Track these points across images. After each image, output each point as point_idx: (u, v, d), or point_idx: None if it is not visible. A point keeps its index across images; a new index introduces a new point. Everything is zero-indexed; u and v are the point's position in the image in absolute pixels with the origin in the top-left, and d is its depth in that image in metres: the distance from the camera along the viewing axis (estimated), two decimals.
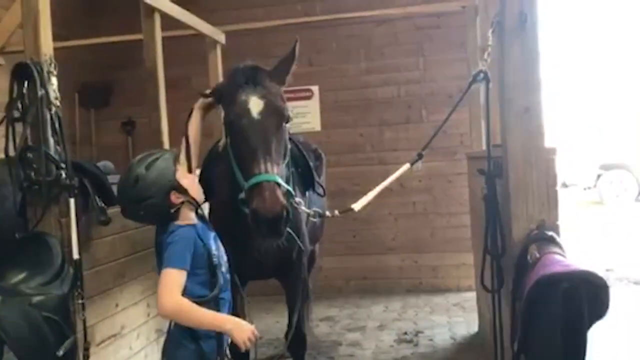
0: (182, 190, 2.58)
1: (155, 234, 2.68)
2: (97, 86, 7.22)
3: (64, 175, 2.72)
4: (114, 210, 3.04)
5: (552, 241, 2.45)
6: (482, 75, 2.87)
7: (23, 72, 2.72)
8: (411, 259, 6.87)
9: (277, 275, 3.54)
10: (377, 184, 3.23)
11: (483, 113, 3.86)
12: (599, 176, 15.71)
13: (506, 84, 2.62)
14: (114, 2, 4.69)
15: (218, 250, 2.65)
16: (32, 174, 2.70)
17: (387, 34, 6.87)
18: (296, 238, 3.06)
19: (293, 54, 2.98)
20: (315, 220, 3.16)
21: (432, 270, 6.84)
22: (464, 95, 3.13)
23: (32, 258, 2.61)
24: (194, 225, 2.59)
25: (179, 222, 2.56)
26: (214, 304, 2.53)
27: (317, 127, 6.95)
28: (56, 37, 2.87)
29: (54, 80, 2.76)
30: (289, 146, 2.94)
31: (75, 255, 2.73)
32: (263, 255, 3.05)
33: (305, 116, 6.90)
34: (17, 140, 2.74)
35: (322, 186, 4.00)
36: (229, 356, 2.74)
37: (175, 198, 2.56)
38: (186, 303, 2.41)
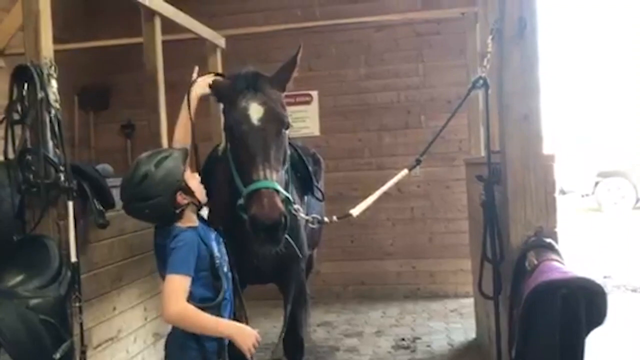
0: (189, 192, 2.58)
1: (155, 235, 2.66)
2: (96, 89, 7.23)
3: (62, 178, 2.72)
4: (112, 214, 3.04)
5: (550, 248, 2.45)
6: (481, 81, 2.88)
7: (23, 75, 2.72)
8: (409, 264, 6.87)
9: (275, 280, 3.54)
10: (376, 189, 3.23)
11: (482, 119, 3.87)
12: (597, 183, 15.73)
13: (505, 90, 2.63)
14: (114, 5, 4.71)
15: (220, 250, 2.66)
16: (31, 176, 2.70)
17: (386, 39, 6.88)
18: (294, 245, 3.06)
19: (294, 61, 2.99)
20: (314, 226, 3.15)
21: (430, 276, 6.83)
22: (463, 102, 3.13)
23: (29, 260, 2.61)
24: (195, 228, 2.59)
25: (180, 224, 2.55)
26: (216, 306, 2.54)
27: (316, 131, 6.96)
28: (56, 40, 2.88)
29: (54, 82, 2.77)
30: (289, 152, 2.94)
31: (73, 258, 2.73)
32: (261, 260, 3.05)
33: (304, 121, 6.91)
34: (17, 142, 2.74)
35: (321, 191, 4.00)
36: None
37: (182, 199, 2.55)
38: (191, 310, 2.40)
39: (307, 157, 3.94)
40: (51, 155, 2.73)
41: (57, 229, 2.75)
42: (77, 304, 2.74)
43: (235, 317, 3.40)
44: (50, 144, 2.74)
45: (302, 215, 2.98)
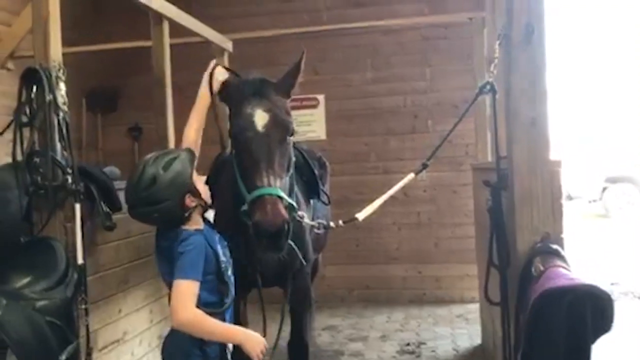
0: (197, 194, 2.57)
1: (157, 237, 2.63)
2: (104, 91, 7.27)
3: (70, 180, 2.73)
4: (119, 216, 3.05)
5: (557, 254, 2.44)
6: (488, 86, 2.87)
7: (32, 77, 2.74)
8: (415, 269, 6.85)
9: (280, 284, 3.54)
10: (382, 193, 3.23)
11: (489, 125, 3.86)
12: (604, 189, 15.65)
13: (512, 95, 2.62)
14: (122, 8, 4.74)
15: (225, 254, 2.65)
16: (39, 178, 2.72)
17: (393, 43, 6.89)
18: (297, 251, 3.06)
19: (299, 67, 2.99)
20: (319, 231, 3.16)
21: (435, 281, 6.82)
22: (470, 107, 3.12)
23: (36, 262, 2.62)
24: (201, 231, 2.57)
25: (187, 227, 2.53)
26: (222, 311, 2.55)
27: (322, 135, 6.96)
28: (65, 43, 2.90)
29: (62, 85, 2.79)
30: (293, 159, 2.94)
31: (80, 260, 2.74)
32: (265, 265, 3.06)
33: (311, 125, 6.92)
34: (25, 144, 2.76)
35: (326, 195, 4.01)
36: None
37: (190, 201, 2.53)
38: (200, 315, 2.39)
39: (312, 161, 3.95)
40: (59, 157, 2.74)
41: (64, 231, 2.76)
42: (83, 306, 2.75)
43: (239, 322, 3.41)
44: (58, 146, 2.75)
45: (307, 221, 2.98)
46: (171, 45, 4.36)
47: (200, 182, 2.64)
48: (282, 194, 2.60)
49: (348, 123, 6.95)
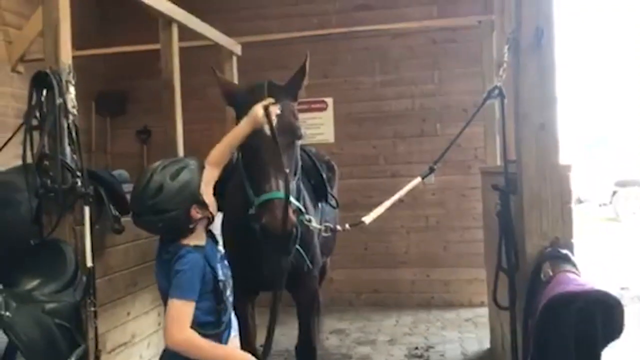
0: (204, 206, 2.47)
1: (159, 250, 2.53)
2: (113, 95, 7.30)
3: (79, 183, 2.75)
4: (128, 219, 3.06)
5: (566, 259, 2.43)
6: (497, 91, 2.86)
7: (42, 81, 2.76)
8: (423, 273, 6.83)
9: (288, 287, 3.54)
10: (390, 196, 3.22)
11: (498, 129, 3.85)
12: (614, 192, 15.56)
13: (521, 100, 2.61)
14: (131, 12, 4.77)
15: (225, 273, 2.55)
16: (49, 181, 2.74)
17: (402, 47, 6.88)
18: (305, 255, 3.06)
19: (303, 70, 3.00)
20: (326, 235, 3.16)
21: (444, 285, 6.79)
22: (478, 111, 3.11)
23: (46, 265, 2.63)
24: (203, 247, 2.48)
25: (186, 243, 2.43)
26: (219, 332, 2.48)
27: (331, 138, 6.96)
28: (74, 46, 2.92)
29: (72, 89, 2.80)
30: (300, 163, 2.95)
31: (89, 263, 2.76)
32: (272, 268, 3.05)
33: (319, 128, 6.92)
34: (35, 147, 2.78)
35: (335, 198, 4.00)
36: None
37: (196, 213, 2.43)
38: (197, 338, 2.31)
39: (321, 164, 3.95)
40: (68, 160, 2.76)
41: (73, 234, 2.77)
42: (92, 309, 2.76)
43: (247, 325, 3.41)
44: (68, 149, 2.77)
45: (315, 224, 2.98)
46: (180, 49, 4.38)
47: (208, 194, 2.53)
48: (290, 198, 2.60)
49: (356, 126, 6.95)
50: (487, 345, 5.19)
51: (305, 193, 3.22)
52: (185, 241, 2.45)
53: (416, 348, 5.32)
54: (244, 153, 2.78)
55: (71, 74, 2.81)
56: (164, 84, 4.31)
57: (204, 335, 2.36)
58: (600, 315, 2.06)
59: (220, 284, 2.47)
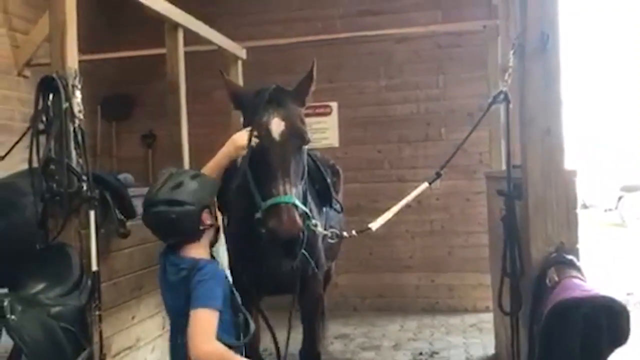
0: (214, 215, 2.51)
1: (165, 274, 2.46)
2: (119, 99, 7.33)
3: (85, 187, 2.76)
4: (133, 223, 3.07)
5: (572, 265, 2.42)
6: (502, 96, 2.86)
7: (48, 85, 2.77)
8: (428, 278, 6.81)
9: (292, 291, 3.54)
10: (395, 201, 3.22)
11: (503, 134, 3.85)
12: (620, 198, 15.50)
13: (527, 105, 2.61)
14: (137, 16, 4.79)
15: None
16: (54, 185, 2.74)
17: (407, 51, 6.88)
18: (310, 259, 3.06)
19: (311, 76, 3.01)
20: (332, 241, 3.16)
21: (449, 290, 6.77)
22: (484, 116, 3.11)
23: (51, 269, 2.64)
24: (216, 262, 2.48)
25: (194, 255, 2.42)
26: (240, 345, 2.48)
27: (336, 143, 6.96)
28: (80, 50, 2.93)
29: (78, 93, 2.81)
30: (306, 168, 2.95)
31: (94, 267, 2.76)
32: (277, 272, 3.06)
33: (324, 132, 6.92)
34: (41, 151, 2.79)
35: (339, 202, 4.00)
36: None
37: (206, 218, 2.45)
38: (225, 350, 2.27)
39: (325, 168, 3.95)
40: (74, 164, 2.77)
41: (78, 238, 2.78)
42: (97, 313, 2.76)
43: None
44: (74, 153, 2.78)
45: (321, 230, 2.98)
46: (185, 53, 4.39)
47: (218, 214, 2.59)
48: (297, 203, 2.61)
49: (361, 130, 6.95)
50: (492, 350, 5.17)
51: (310, 198, 3.22)
52: (192, 251, 2.43)
53: (420, 353, 5.30)
54: (252, 156, 2.78)
55: (77, 79, 2.82)
56: (169, 88, 4.32)
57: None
58: (606, 321, 2.05)
59: (236, 295, 2.48)
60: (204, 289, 2.30)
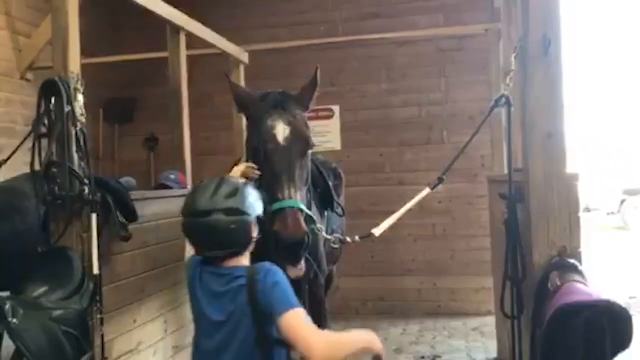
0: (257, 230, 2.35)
1: (207, 284, 2.30)
2: (121, 102, 7.34)
3: (87, 190, 2.76)
4: (134, 226, 3.07)
5: (574, 269, 2.42)
6: (504, 100, 2.86)
7: (51, 89, 2.77)
8: (430, 281, 6.80)
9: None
10: (397, 204, 3.22)
11: (505, 138, 3.83)
12: (622, 201, 15.48)
13: (529, 109, 2.61)
14: (140, 20, 4.79)
15: None
16: (56, 188, 2.74)
17: (409, 55, 6.89)
18: (313, 262, 3.06)
19: (315, 82, 3.02)
20: (336, 246, 3.17)
21: (451, 294, 6.76)
22: (485, 120, 3.11)
23: (53, 272, 2.64)
24: None
25: (243, 264, 2.30)
26: None
27: (338, 146, 6.97)
28: (83, 54, 2.93)
29: (81, 97, 2.82)
30: (310, 172, 2.96)
31: (96, 271, 2.76)
32: None
33: (326, 136, 6.92)
34: (43, 155, 2.79)
35: (341, 206, 4.00)
36: None
37: (253, 231, 2.31)
38: (330, 333, 2.17)
39: (327, 172, 3.95)
40: (76, 168, 2.77)
41: (80, 241, 2.78)
42: (99, 316, 2.76)
43: None
44: (76, 157, 2.78)
45: (325, 235, 2.99)
46: (188, 57, 4.40)
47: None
48: (303, 207, 2.62)
49: (363, 134, 6.95)
50: (494, 354, 5.15)
51: (313, 201, 3.22)
52: (240, 262, 2.30)
53: (423, 357, 5.29)
54: (257, 160, 2.78)
55: (79, 82, 2.82)
56: (171, 92, 4.33)
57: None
58: (609, 326, 2.05)
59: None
60: (284, 289, 2.15)
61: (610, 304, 2.08)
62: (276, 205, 2.60)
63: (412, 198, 3.25)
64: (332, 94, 6.65)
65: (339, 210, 3.89)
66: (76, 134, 2.79)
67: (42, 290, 2.54)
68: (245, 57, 5.51)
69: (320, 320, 3.58)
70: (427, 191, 3.21)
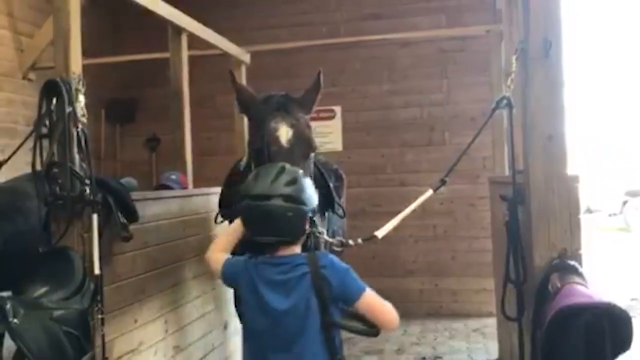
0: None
1: (263, 274, 2.34)
2: (123, 102, 7.35)
3: (87, 191, 2.76)
4: (135, 227, 3.07)
5: (574, 271, 2.41)
6: (505, 101, 2.86)
7: (52, 89, 2.77)
8: (431, 282, 6.80)
9: None
10: (398, 205, 3.23)
11: (506, 139, 3.84)
12: (624, 202, 15.46)
13: (530, 111, 2.61)
14: (141, 20, 4.81)
15: None
16: (57, 189, 2.74)
17: (410, 56, 6.89)
18: None
19: (318, 85, 3.02)
20: (339, 249, 3.17)
21: (452, 295, 6.76)
22: (487, 122, 3.11)
23: (54, 272, 2.64)
24: None
25: (298, 253, 2.37)
26: None
27: (339, 147, 6.97)
28: (84, 54, 2.94)
29: (82, 97, 2.82)
30: (312, 174, 2.96)
31: (97, 271, 2.76)
32: None
33: (327, 136, 6.93)
34: (44, 155, 2.80)
35: (342, 207, 4.00)
36: None
37: (306, 222, 2.37)
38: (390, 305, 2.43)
39: (328, 173, 3.95)
40: (77, 168, 2.77)
41: (81, 241, 2.78)
42: (100, 316, 2.76)
43: None
44: (77, 157, 2.78)
45: (327, 238, 2.99)
46: (189, 57, 4.40)
47: None
48: None
49: (364, 135, 6.95)
50: (495, 355, 5.15)
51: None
52: (296, 251, 2.36)
53: (424, 358, 5.30)
54: (260, 163, 2.76)
55: (81, 83, 2.82)
56: (173, 92, 4.33)
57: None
58: (609, 328, 2.04)
59: None
60: (353, 275, 2.40)
61: (611, 306, 2.08)
62: None
63: (414, 199, 3.25)
64: (333, 94, 6.64)
65: (340, 212, 3.88)
66: (77, 135, 2.78)
67: (42, 290, 2.54)
68: (246, 58, 5.51)
69: None
70: (429, 193, 3.21)
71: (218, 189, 3.82)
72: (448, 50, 6.80)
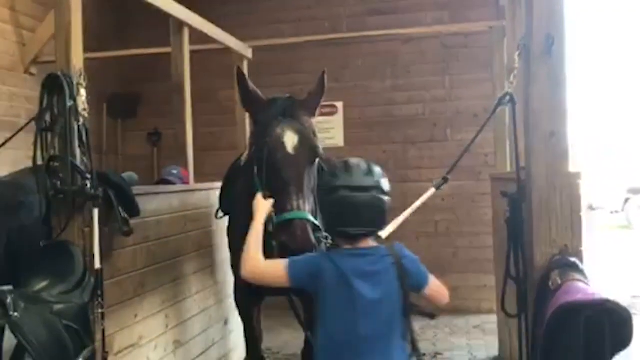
0: None
1: (355, 266, 2.33)
2: (125, 97, 7.35)
3: (88, 185, 2.76)
4: (136, 221, 3.08)
5: (575, 268, 2.41)
6: (508, 97, 2.85)
7: (53, 84, 2.77)
8: None
9: (294, 292, 3.54)
10: (400, 201, 3.22)
11: (509, 135, 3.84)
12: (626, 200, 15.44)
13: (532, 108, 2.60)
14: (144, 15, 4.79)
15: None
16: (58, 183, 2.74)
17: (413, 52, 6.87)
18: None
19: (322, 87, 3.00)
20: None
21: (453, 291, 6.62)
22: (490, 118, 3.11)
23: (55, 266, 2.64)
24: None
25: (376, 245, 2.43)
26: None
27: (341, 143, 6.95)
28: (87, 49, 2.93)
29: (83, 92, 2.81)
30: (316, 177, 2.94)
31: (97, 265, 2.76)
32: None
33: (329, 132, 6.91)
34: (46, 149, 2.80)
35: None
36: None
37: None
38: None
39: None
40: (78, 163, 2.77)
41: (82, 236, 2.78)
42: (100, 310, 2.76)
43: (253, 327, 3.42)
44: (78, 151, 2.78)
45: (330, 241, 2.98)
46: (191, 52, 4.40)
47: None
48: (310, 217, 2.60)
49: (367, 131, 6.94)
50: (495, 352, 5.15)
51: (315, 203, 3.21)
52: (371, 243, 2.42)
53: (424, 354, 5.28)
54: (264, 169, 2.73)
55: (82, 77, 2.82)
56: (175, 87, 4.33)
57: None
58: (609, 325, 2.04)
59: None
60: (421, 264, 2.57)
61: (611, 303, 2.08)
62: (285, 216, 2.58)
63: (416, 195, 3.25)
64: (335, 90, 6.60)
65: None
66: (78, 129, 2.78)
67: (43, 284, 2.55)
68: (248, 53, 5.51)
69: None
70: (432, 191, 3.21)
71: (219, 184, 3.82)
72: (451, 47, 6.77)
